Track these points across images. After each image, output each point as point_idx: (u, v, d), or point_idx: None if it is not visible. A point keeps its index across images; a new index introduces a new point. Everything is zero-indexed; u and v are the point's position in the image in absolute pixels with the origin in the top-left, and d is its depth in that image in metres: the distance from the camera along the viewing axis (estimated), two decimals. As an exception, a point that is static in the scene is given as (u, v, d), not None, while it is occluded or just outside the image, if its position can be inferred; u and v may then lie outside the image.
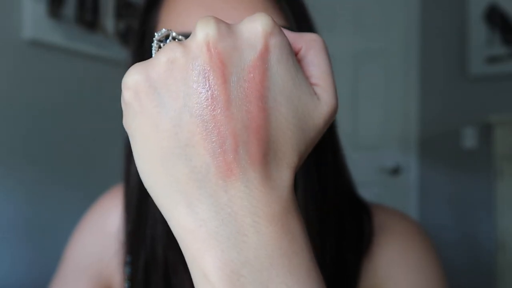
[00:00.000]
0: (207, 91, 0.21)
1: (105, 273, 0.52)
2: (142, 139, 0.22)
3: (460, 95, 2.34)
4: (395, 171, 2.47)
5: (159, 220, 0.45)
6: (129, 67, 0.49)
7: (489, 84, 2.28)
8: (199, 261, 0.21)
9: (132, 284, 0.47)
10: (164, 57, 0.22)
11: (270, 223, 0.21)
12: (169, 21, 0.43)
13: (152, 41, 0.26)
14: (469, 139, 2.30)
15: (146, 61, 0.23)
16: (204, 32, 0.21)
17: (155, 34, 0.26)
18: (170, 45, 0.22)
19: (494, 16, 2.26)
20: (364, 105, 2.53)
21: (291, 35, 0.25)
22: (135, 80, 0.22)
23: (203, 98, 0.21)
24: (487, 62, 2.26)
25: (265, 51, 0.22)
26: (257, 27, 0.22)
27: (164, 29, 0.26)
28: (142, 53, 0.47)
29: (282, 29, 0.25)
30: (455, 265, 2.23)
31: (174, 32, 0.26)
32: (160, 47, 0.26)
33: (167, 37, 0.26)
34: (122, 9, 1.87)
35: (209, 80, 0.21)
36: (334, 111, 0.24)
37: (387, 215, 0.50)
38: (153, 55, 0.25)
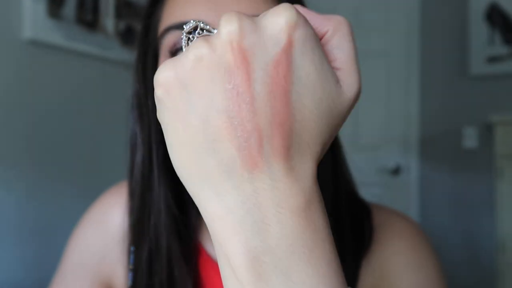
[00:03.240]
0: (232, 88, 0.21)
1: (106, 269, 0.52)
2: (174, 133, 0.23)
3: (460, 95, 2.34)
4: (396, 171, 2.47)
5: (162, 211, 0.46)
6: (136, 60, 0.49)
7: (489, 84, 2.27)
8: (225, 246, 0.22)
9: (135, 274, 0.48)
10: (191, 54, 0.22)
11: (293, 214, 0.22)
12: (173, 13, 0.43)
13: (182, 34, 0.26)
14: (470, 139, 2.30)
15: (176, 57, 0.23)
16: (227, 29, 0.22)
17: (184, 26, 0.26)
18: (197, 42, 0.23)
19: (494, 16, 2.26)
20: (364, 105, 2.52)
21: (318, 18, 0.25)
22: (165, 77, 0.23)
23: (228, 95, 0.22)
24: (488, 62, 2.26)
25: (289, 45, 0.22)
26: (280, 21, 0.22)
27: (192, 21, 0.26)
28: (147, 46, 0.47)
29: (309, 11, 0.25)
30: (456, 264, 2.23)
31: (202, 23, 0.26)
32: (189, 39, 0.26)
33: (195, 28, 0.26)
34: (122, 9, 1.87)
35: (233, 77, 0.21)
36: (358, 96, 0.25)
37: (387, 215, 0.50)
38: (183, 48, 0.25)
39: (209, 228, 0.23)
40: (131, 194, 0.49)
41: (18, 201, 1.46)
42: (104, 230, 0.53)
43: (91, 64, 1.73)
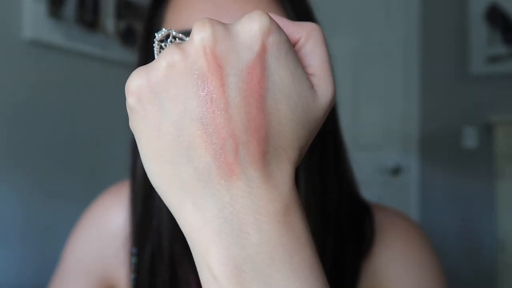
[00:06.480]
0: (206, 94, 0.21)
1: (107, 269, 0.52)
2: (147, 142, 0.23)
3: (460, 94, 2.34)
4: (396, 171, 2.47)
5: (164, 213, 0.46)
6: (137, 63, 0.49)
7: (490, 84, 2.27)
8: (205, 257, 0.21)
9: (138, 275, 0.48)
10: (164, 61, 0.22)
11: (271, 220, 0.21)
12: (173, 17, 0.43)
13: (154, 42, 0.26)
14: (470, 138, 2.30)
15: (148, 65, 0.23)
16: (200, 36, 0.22)
17: (155, 34, 0.26)
18: (169, 48, 0.22)
19: (494, 16, 2.26)
20: (364, 105, 2.53)
21: (290, 25, 0.25)
22: (137, 85, 0.23)
23: (202, 101, 0.21)
24: (488, 62, 2.26)
25: (263, 51, 0.22)
26: (254, 27, 0.22)
27: (164, 29, 0.26)
28: (148, 50, 0.47)
29: (282, 19, 0.25)
30: (455, 264, 2.23)
31: (174, 31, 0.26)
32: (161, 47, 0.26)
33: (167, 36, 0.26)
34: (123, 9, 1.87)
35: (207, 84, 0.21)
36: (332, 101, 0.25)
37: (387, 216, 0.50)
38: (155, 56, 0.25)
39: (187, 238, 0.23)
40: (134, 197, 0.49)
41: (20, 200, 1.46)
42: (102, 231, 0.53)
43: (91, 64, 1.73)
